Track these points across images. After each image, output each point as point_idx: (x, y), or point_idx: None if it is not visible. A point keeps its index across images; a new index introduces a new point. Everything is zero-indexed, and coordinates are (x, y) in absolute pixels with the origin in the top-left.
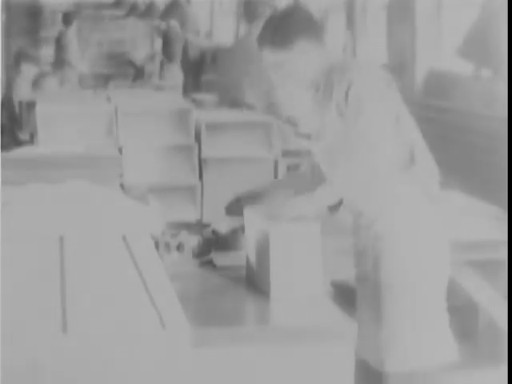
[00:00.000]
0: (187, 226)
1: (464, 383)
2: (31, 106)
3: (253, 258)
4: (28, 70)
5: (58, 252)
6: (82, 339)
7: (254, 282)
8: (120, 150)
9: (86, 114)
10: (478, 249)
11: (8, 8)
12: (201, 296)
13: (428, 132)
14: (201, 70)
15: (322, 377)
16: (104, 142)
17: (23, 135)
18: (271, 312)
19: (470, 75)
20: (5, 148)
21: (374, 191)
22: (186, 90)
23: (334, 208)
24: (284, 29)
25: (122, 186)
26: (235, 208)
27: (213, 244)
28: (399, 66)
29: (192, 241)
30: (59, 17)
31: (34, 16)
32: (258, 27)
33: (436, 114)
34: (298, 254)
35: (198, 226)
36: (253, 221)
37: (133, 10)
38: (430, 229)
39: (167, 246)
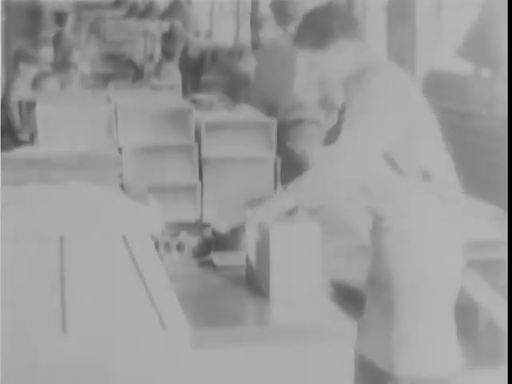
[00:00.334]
0: (187, 226)
1: (464, 383)
2: (31, 106)
3: (253, 258)
4: (28, 70)
5: (57, 252)
6: (82, 339)
7: (254, 282)
8: (120, 150)
9: (85, 114)
10: (478, 249)
11: (8, 8)
12: (201, 296)
13: None
14: (201, 70)
15: (322, 377)
16: (104, 142)
17: (23, 135)
18: (271, 312)
19: (469, 75)
20: (5, 148)
21: (394, 196)
22: (186, 90)
23: (291, 213)
24: (323, 28)
25: (121, 186)
26: None
27: (213, 244)
28: (399, 66)
29: (192, 241)
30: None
31: (34, 16)
32: (293, 28)
33: (436, 113)
34: (298, 254)
35: (198, 226)
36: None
37: (133, 10)
38: (446, 234)
39: (167, 246)
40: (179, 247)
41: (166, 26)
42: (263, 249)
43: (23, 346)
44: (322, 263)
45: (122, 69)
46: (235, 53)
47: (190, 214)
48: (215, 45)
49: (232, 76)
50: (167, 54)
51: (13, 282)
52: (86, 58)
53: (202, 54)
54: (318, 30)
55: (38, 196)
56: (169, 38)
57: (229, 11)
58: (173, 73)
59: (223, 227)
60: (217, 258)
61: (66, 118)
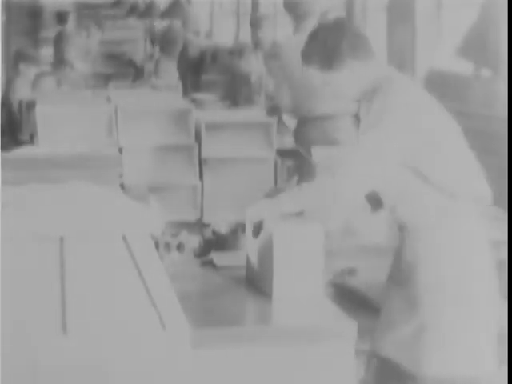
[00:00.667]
0: (187, 226)
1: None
2: (31, 105)
3: (254, 258)
4: (28, 71)
5: (57, 252)
6: (82, 339)
7: (255, 282)
8: (120, 150)
9: (85, 114)
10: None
11: (8, 8)
12: (201, 296)
13: None
14: (201, 70)
15: (322, 377)
16: (104, 142)
17: (23, 135)
18: (271, 312)
19: (469, 75)
20: (5, 148)
21: (417, 204)
22: (186, 90)
23: (297, 215)
24: (333, 48)
25: (122, 185)
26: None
27: (213, 244)
28: (399, 66)
29: (192, 241)
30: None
31: (34, 16)
32: (308, 26)
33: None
34: (301, 255)
35: (198, 226)
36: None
37: (133, 10)
38: (471, 233)
39: (167, 246)
40: (179, 247)
41: (164, 24)
42: (266, 249)
43: (23, 345)
44: (324, 263)
45: (122, 68)
46: (236, 52)
47: (190, 214)
48: (215, 44)
49: (233, 75)
50: (167, 54)
51: (13, 282)
52: (82, 57)
53: (202, 53)
54: (326, 50)
55: (37, 196)
56: (167, 37)
57: (229, 11)
58: (171, 72)
59: (223, 227)
60: (217, 257)
61: (66, 118)
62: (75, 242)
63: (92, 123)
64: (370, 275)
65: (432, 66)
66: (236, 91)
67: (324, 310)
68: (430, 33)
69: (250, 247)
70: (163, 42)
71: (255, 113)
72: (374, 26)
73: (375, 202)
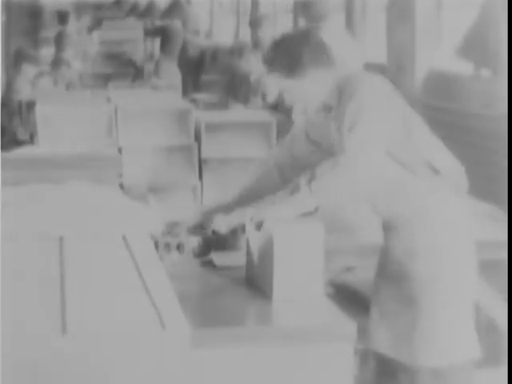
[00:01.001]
0: (187, 226)
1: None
2: (31, 105)
3: (254, 258)
4: (28, 70)
5: (57, 252)
6: (82, 339)
7: (255, 282)
8: (120, 150)
9: (85, 114)
10: (478, 249)
11: (8, 8)
12: (201, 296)
13: None
14: (201, 70)
15: (322, 377)
16: (104, 142)
17: (23, 135)
18: (271, 312)
19: (469, 75)
20: (5, 148)
21: (403, 195)
22: (186, 90)
23: (309, 214)
24: (295, 57)
25: (121, 186)
26: None
27: (213, 244)
28: (399, 66)
29: (192, 241)
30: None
31: (34, 16)
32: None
33: (436, 114)
34: (301, 254)
35: (198, 226)
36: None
37: (133, 10)
38: (459, 225)
39: (167, 246)
40: (179, 247)
41: (164, 24)
42: (266, 249)
43: (23, 345)
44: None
45: (121, 68)
46: (235, 51)
47: (190, 214)
48: (215, 44)
49: (232, 75)
50: (166, 54)
51: (13, 282)
52: (81, 57)
53: (202, 53)
54: (289, 58)
55: (37, 196)
56: (167, 37)
57: (229, 11)
58: (172, 72)
59: (223, 227)
60: (217, 257)
61: (66, 118)
62: (75, 241)
63: (92, 123)
64: (370, 275)
65: (432, 66)
66: (235, 91)
67: (324, 310)
68: (430, 33)
69: (250, 247)
70: (163, 38)
71: (255, 113)
72: (373, 26)
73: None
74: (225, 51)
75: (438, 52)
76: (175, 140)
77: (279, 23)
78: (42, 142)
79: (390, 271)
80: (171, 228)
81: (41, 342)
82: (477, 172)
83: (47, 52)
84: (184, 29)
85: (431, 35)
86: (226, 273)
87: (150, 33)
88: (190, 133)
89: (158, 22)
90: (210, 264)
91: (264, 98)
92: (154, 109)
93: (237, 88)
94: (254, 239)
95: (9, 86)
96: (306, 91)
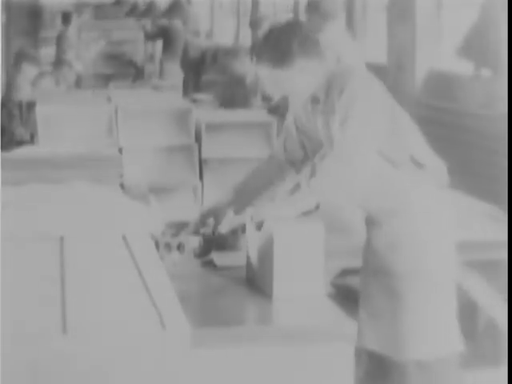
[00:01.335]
0: (187, 226)
1: (464, 383)
2: (31, 105)
3: (254, 258)
4: (28, 71)
5: (58, 252)
6: (82, 339)
7: (255, 282)
8: (120, 150)
9: (86, 114)
10: (478, 249)
11: (8, 8)
12: (201, 296)
13: (428, 132)
14: (201, 70)
15: (322, 376)
16: (104, 142)
17: (23, 135)
18: (271, 312)
19: (469, 75)
20: (5, 148)
21: (388, 190)
22: (186, 90)
23: (309, 212)
24: (283, 47)
25: (121, 185)
26: None
27: (213, 244)
28: (399, 66)
29: (192, 241)
30: (59, 17)
31: (34, 16)
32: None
33: (436, 113)
34: (302, 254)
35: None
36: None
37: (133, 10)
38: (442, 220)
39: (167, 246)
40: (179, 247)
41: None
42: (266, 248)
43: (23, 345)
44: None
45: (122, 69)
46: (230, 53)
47: (190, 214)
48: (216, 45)
49: (229, 77)
50: (167, 54)
51: (13, 282)
52: (80, 57)
53: (202, 54)
54: (277, 49)
55: (37, 196)
56: (168, 37)
57: (229, 11)
58: (175, 73)
59: (223, 227)
60: (217, 258)
61: (66, 117)
62: (75, 241)
63: (92, 123)
64: None
65: (432, 65)
66: (232, 92)
67: (324, 309)
68: (430, 33)
69: (250, 247)
70: (165, 39)
71: (255, 113)
72: (374, 25)
73: None
74: (225, 52)
75: (438, 52)
76: (175, 140)
77: None
78: (42, 141)
79: (374, 266)
80: (171, 228)
81: (41, 341)
82: (477, 172)
83: (47, 52)
84: (184, 29)
85: (431, 35)
86: (226, 273)
87: (151, 35)
88: (190, 133)
89: (160, 24)
90: (210, 264)
91: (264, 98)
92: (154, 109)
93: (233, 90)
94: (254, 239)
95: (9, 86)
96: (295, 82)
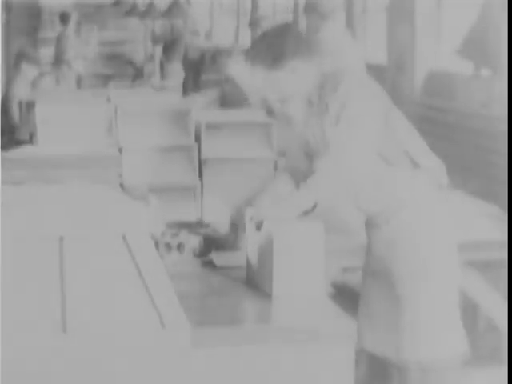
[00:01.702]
0: (187, 226)
1: (464, 383)
2: (31, 105)
3: (254, 258)
4: (28, 71)
5: (57, 252)
6: (82, 339)
7: (255, 281)
8: (120, 150)
9: (85, 114)
10: (478, 249)
11: (8, 8)
12: (201, 296)
13: (428, 132)
14: (201, 70)
15: (322, 377)
16: (104, 142)
17: (23, 135)
18: (271, 312)
19: (469, 75)
20: (5, 148)
21: (387, 190)
22: (186, 90)
23: (308, 212)
24: (275, 49)
25: (121, 185)
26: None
27: (213, 244)
28: (399, 66)
29: (192, 241)
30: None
31: (34, 16)
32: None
33: (436, 113)
34: (302, 254)
35: (198, 226)
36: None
37: (133, 10)
38: (442, 220)
39: (167, 246)
40: (179, 247)
41: (166, 26)
42: (266, 248)
43: (23, 346)
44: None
45: (122, 69)
46: (224, 54)
47: (190, 214)
48: (215, 45)
49: (225, 77)
50: (168, 54)
51: (13, 282)
52: (79, 57)
53: (202, 54)
54: (270, 51)
55: (37, 196)
56: (169, 38)
57: (229, 11)
58: (175, 73)
59: (223, 227)
60: (217, 257)
61: (66, 118)
62: (75, 241)
63: (92, 123)
64: None
65: (432, 66)
66: (227, 93)
67: (324, 309)
68: (430, 33)
69: (249, 247)
70: (167, 41)
71: (255, 113)
72: (373, 25)
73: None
74: (224, 52)
75: (438, 52)
76: (175, 140)
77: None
78: (42, 141)
79: (374, 268)
80: (171, 228)
81: (41, 341)
82: (477, 172)
83: (47, 52)
84: (184, 29)
85: (431, 35)
86: (226, 273)
87: (158, 40)
88: (190, 133)
89: (166, 28)
90: (210, 264)
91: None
92: (154, 109)
93: (228, 90)
94: (254, 239)
95: (9, 86)
96: (289, 84)
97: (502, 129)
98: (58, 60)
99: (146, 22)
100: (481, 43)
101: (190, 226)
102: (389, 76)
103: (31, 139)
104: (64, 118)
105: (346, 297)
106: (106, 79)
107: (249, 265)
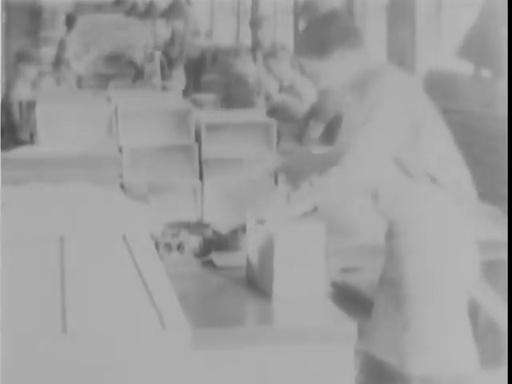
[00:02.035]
0: (187, 226)
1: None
2: (31, 105)
3: (254, 258)
4: (28, 71)
5: (57, 252)
6: (82, 339)
7: (255, 282)
8: (120, 150)
9: (85, 114)
10: (478, 249)
11: (8, 8)
12: (201, 296)
13: None
14: (201, 71)
15: (323, 377)
16: (104, 142)
17: (23, 135)
18: (271, 312)
19: (469, 75)
20: (5, 148)
21: (407, 198)
22: (186, 90)
23: (309, 214)
24: (322, 38)
25: (121, 185)
26: None
27: (213, 244)
28: (399, 66)
29: (192, 241)
30: (60, 17)
31: (35, 16)
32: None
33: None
34: (302, 255)
35: (198, 226)
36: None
37: (133, 10)
38: (459, 234)
39: (167, 246)
40: (179, 247)
41: (167, 30)
42: (267, 249)
43: (23, 345)
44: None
45: (122, 69)
46: (232, 53)
47: (190, 214)
48: (216, 45)
49: (230, 77)
50: (169, 55)
51: (13, 282)
52: (79, 57)
53: (202, 54)
54: (317, 39)
55: (37, 196)
56: (169, 38)
57: (229, 11)
58: (176, 74)
59: (223, 227)
60: (217, 258)
61: (66, 117)
62: (75, 241)
63: (92, 123)
64: (371, 275)
65: (432, 66)
66: (233, 92)
67: (324, 310)
68: (430, 33)
69: (250, 247)
70: (168, 49)
71: (255, 113)
72: (373, 25)
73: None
74: (225, 52)
75: (438, 52)
76: (175, 140)
77: (279, 24)
78: (42, 141)
79: (390, 276)
80: (171, 228)
81: (41, 341)
82: (477, 172)
83: (47, 52)
84: (184, 29)
85: (431, 35)
86: (226, 273)
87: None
88: (190, 133)
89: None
90: (210, 264)
91: (268, 98)
92: (154, 109)
93: (234, 90)
94: (254, 239)
95: (9, 85)
96: (331, 74)
97: (502, 129)
98: (59, 60)
99: (146, 21)
100: (481, 43)
101: (190, 226)
102: None
103: (32, 139)
104: (64, 117)
105: (346, 297)
106: (106, 79)
107: (249, 265)
